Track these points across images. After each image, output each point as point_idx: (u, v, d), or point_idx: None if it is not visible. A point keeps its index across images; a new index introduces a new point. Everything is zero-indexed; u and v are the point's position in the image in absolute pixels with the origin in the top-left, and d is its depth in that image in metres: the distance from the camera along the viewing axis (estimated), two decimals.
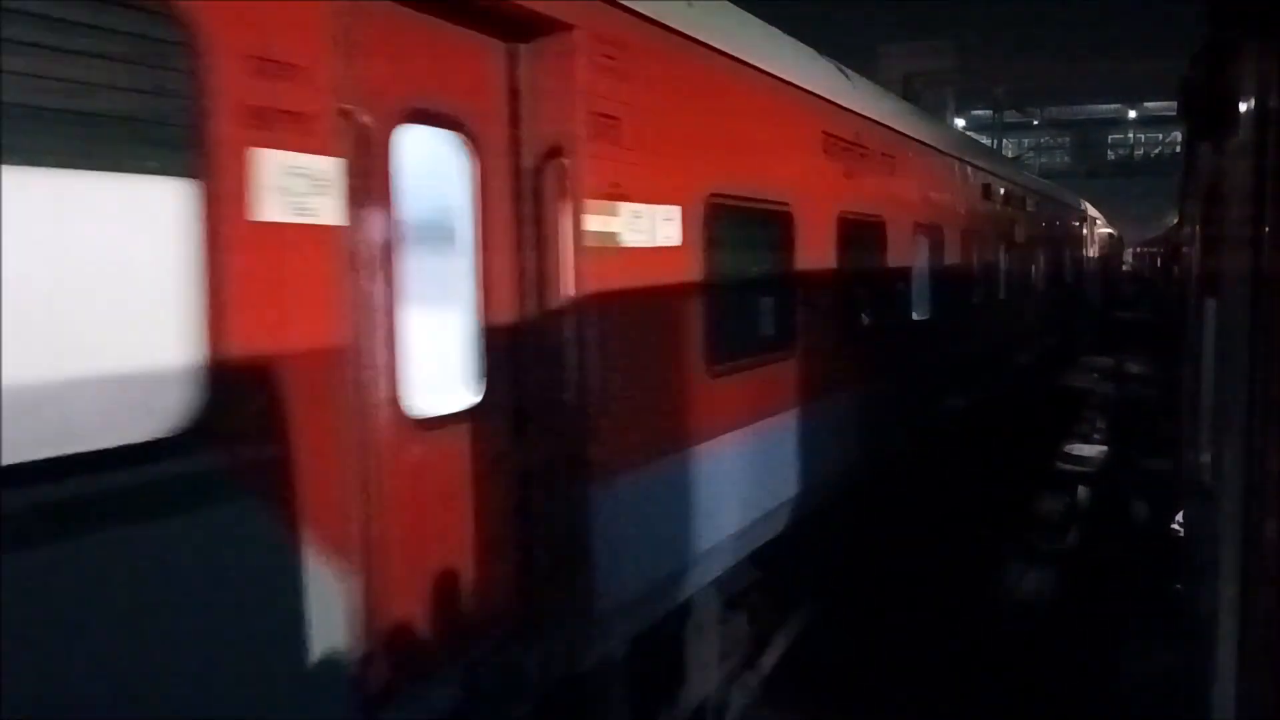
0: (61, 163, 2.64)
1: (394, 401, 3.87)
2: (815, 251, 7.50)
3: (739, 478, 6.22)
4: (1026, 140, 66.32)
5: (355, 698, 3.56)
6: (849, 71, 9.32)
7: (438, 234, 4.40)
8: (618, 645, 5.19)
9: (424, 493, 4.06)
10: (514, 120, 4.63)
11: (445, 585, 4.15)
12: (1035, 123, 64.68)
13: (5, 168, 2.50)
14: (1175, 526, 7.79)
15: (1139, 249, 61.36)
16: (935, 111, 19.49)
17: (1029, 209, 18.55)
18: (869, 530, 9.38)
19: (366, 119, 3.70)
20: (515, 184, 4.62)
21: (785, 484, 7.02)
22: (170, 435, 2.88)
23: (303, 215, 3.27)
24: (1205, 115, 3.66)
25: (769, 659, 7.78)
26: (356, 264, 3.60)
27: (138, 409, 2.81)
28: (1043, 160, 63.35)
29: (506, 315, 4.60)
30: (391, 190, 3.87)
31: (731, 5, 6.65)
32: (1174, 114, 5.19)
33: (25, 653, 2.54)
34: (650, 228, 5.16)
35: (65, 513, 2.64)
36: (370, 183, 3.72)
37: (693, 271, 5.64)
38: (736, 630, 7.00)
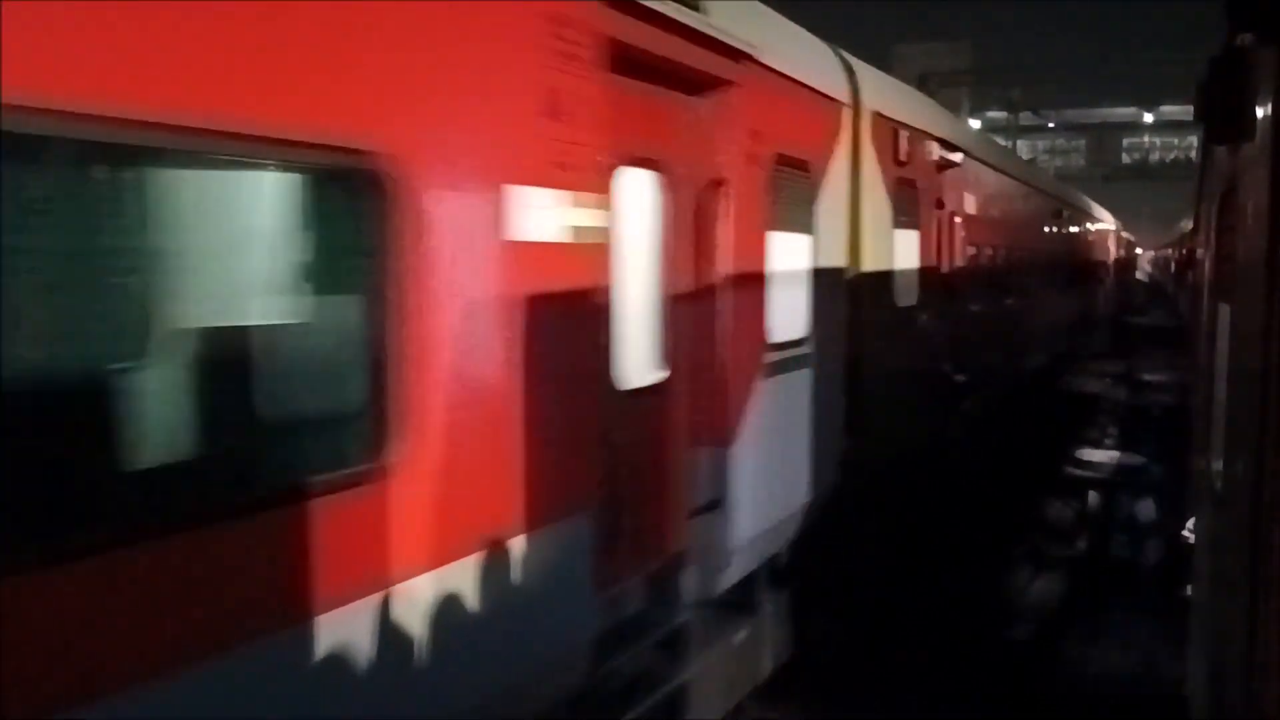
0: None
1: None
2: None
3: None
4: (1041, 143, 66.00)
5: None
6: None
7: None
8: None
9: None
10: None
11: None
12: (1050, 125, 64.35)
13: None
14: (1186, 533, 7.75)
15: (1154, 253, 61.05)
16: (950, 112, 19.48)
17: (1047, 212, 18.51)
18: (877, 533, 9.34)
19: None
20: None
21: None
22: None
23: None
24: (1222, 119, 3.64)
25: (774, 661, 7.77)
26: None
27: None
28: (1057, 163, 63.02)
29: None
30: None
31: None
32: (1190, 118, 5.17)
33: None
34: None
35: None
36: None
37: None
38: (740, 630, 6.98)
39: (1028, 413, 16.89)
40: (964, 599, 9.81)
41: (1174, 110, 61.53)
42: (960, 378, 11.55)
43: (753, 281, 6.31)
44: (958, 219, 11.55)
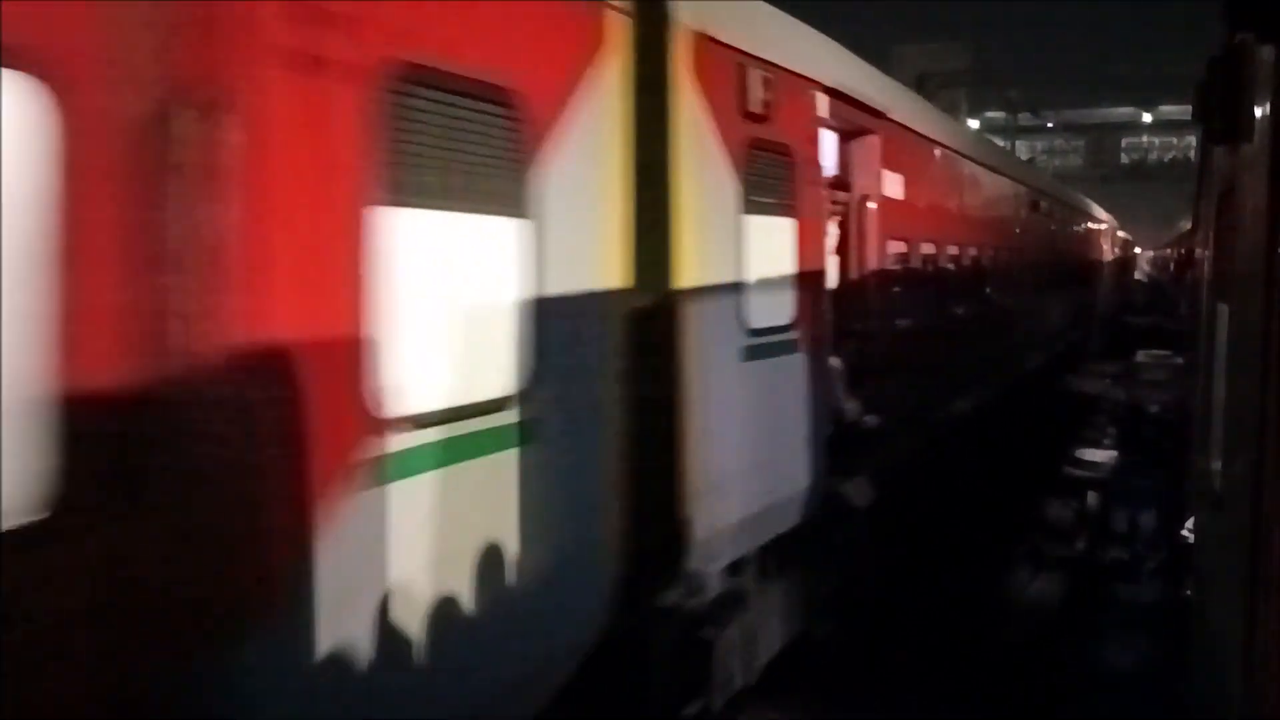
0: None
1: None
2: None
3: None
4: (1040, 143, 66.17)
5: None
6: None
7: None
8: None
9: None
10: None
11: None
12: (1049, 125, 64.52)
13: None
14: (1186, 533, 7.76)
15: (1152, 253, 61.14)
16: (948, 113, 19.48)
17: (1021, 205, 18.16)
18: (878, 534, 9.34)
19: None
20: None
21: None
22: None
23: None
24: (1221, 119, 3.65)
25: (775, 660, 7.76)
26: None
27: None
28: (1056, 163, 63.17)
29: None
30: None
31: None
32: (1188, 118, 5.17)
33: None
34: None
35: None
36: None
37: None
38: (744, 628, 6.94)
39: (1022, 414, 16.87)
40: (964, 599, 9.80)
41: (1172, 110, 61.72)
42: (870, 420, 8.50)
43: (330, 302, 3.39)
44: (872, 205, 8.70)
